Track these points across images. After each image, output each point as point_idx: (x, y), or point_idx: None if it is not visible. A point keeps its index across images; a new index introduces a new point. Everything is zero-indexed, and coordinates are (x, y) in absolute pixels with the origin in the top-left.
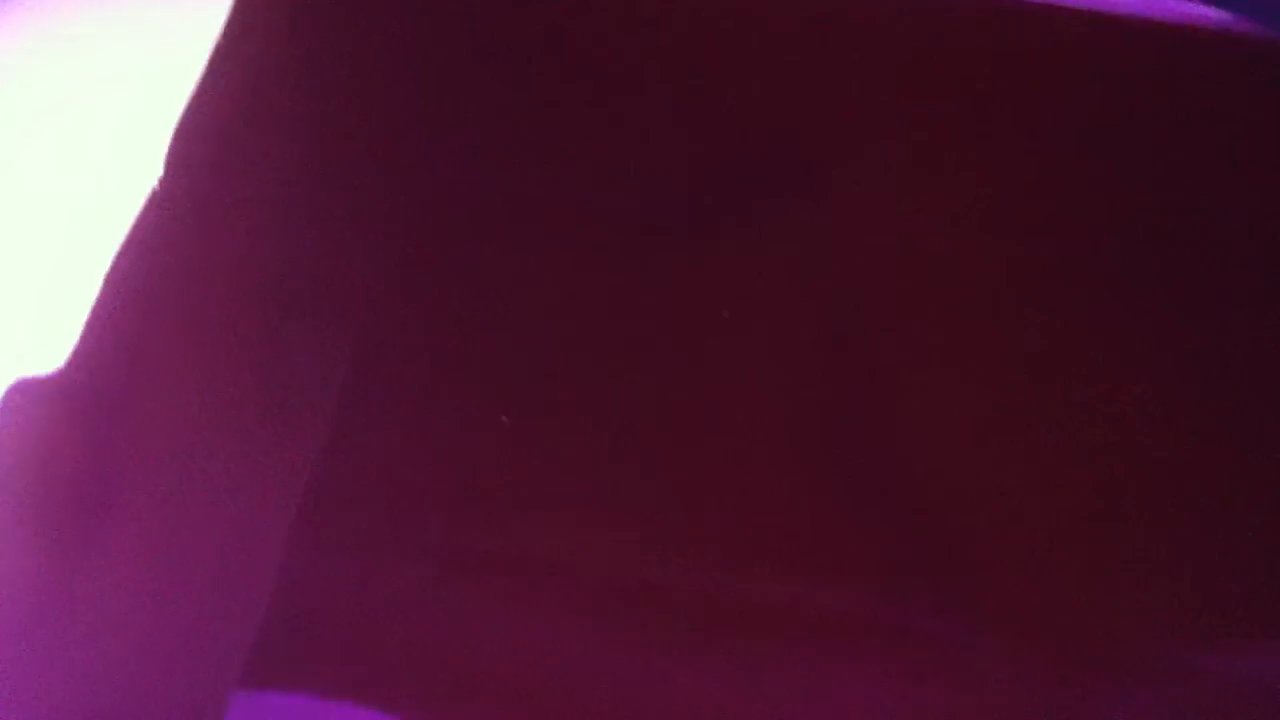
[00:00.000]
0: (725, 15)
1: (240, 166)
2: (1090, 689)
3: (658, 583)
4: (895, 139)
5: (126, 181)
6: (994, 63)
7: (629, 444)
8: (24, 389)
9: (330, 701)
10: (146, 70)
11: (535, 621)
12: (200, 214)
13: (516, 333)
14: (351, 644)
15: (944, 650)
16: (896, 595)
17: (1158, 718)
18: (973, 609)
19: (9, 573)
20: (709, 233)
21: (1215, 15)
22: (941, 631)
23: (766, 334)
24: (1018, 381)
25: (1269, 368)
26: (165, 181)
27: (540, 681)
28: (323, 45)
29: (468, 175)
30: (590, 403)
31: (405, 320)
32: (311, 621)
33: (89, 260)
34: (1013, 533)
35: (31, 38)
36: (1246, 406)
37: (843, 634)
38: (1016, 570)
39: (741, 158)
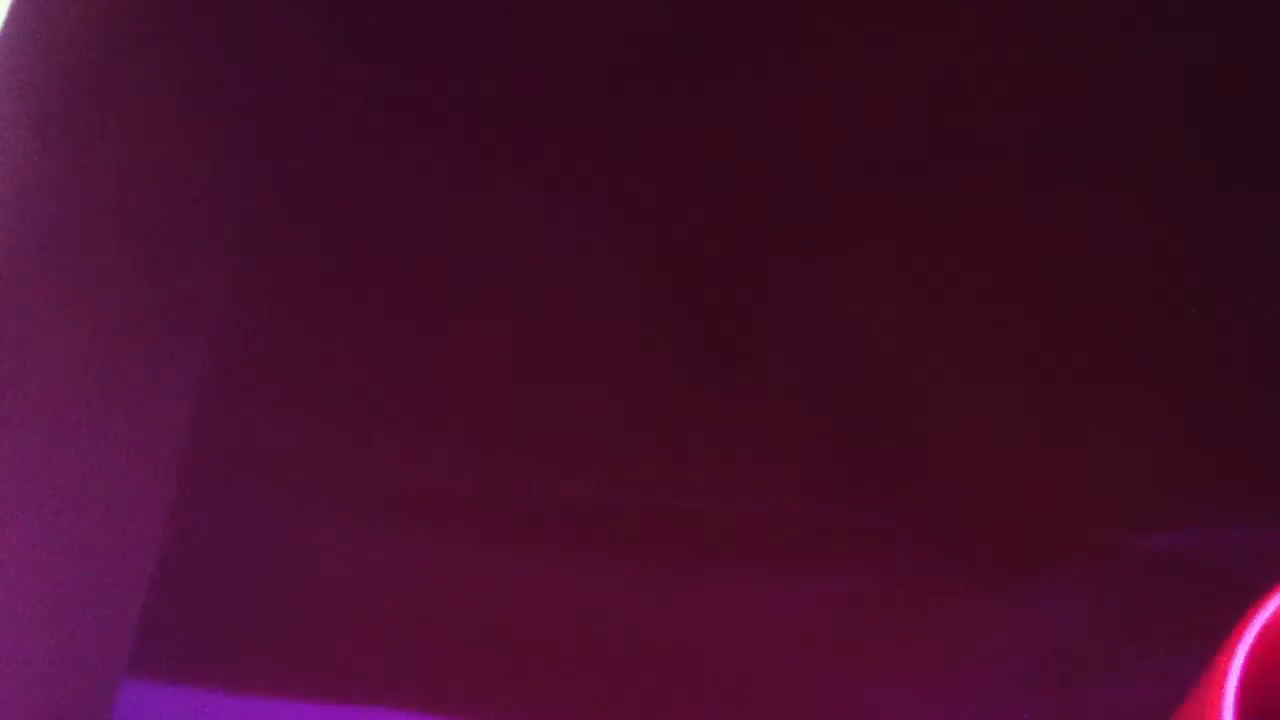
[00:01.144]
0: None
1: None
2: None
3: (561, 503)
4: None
5: None
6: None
7: (527, 371)
8: None
9: (223, 690)
10: None
11: (443, 552)
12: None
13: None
14: (242, 616)
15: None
16: (846, 503)
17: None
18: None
19: None
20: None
21: None
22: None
23: None
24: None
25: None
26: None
27: (449, 605)
28: None
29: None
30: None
31: (280, 267)
32: (199, 596)
33: None
34: (964, 446)
35: None
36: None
37: (783, 542)
38: (957, 480)
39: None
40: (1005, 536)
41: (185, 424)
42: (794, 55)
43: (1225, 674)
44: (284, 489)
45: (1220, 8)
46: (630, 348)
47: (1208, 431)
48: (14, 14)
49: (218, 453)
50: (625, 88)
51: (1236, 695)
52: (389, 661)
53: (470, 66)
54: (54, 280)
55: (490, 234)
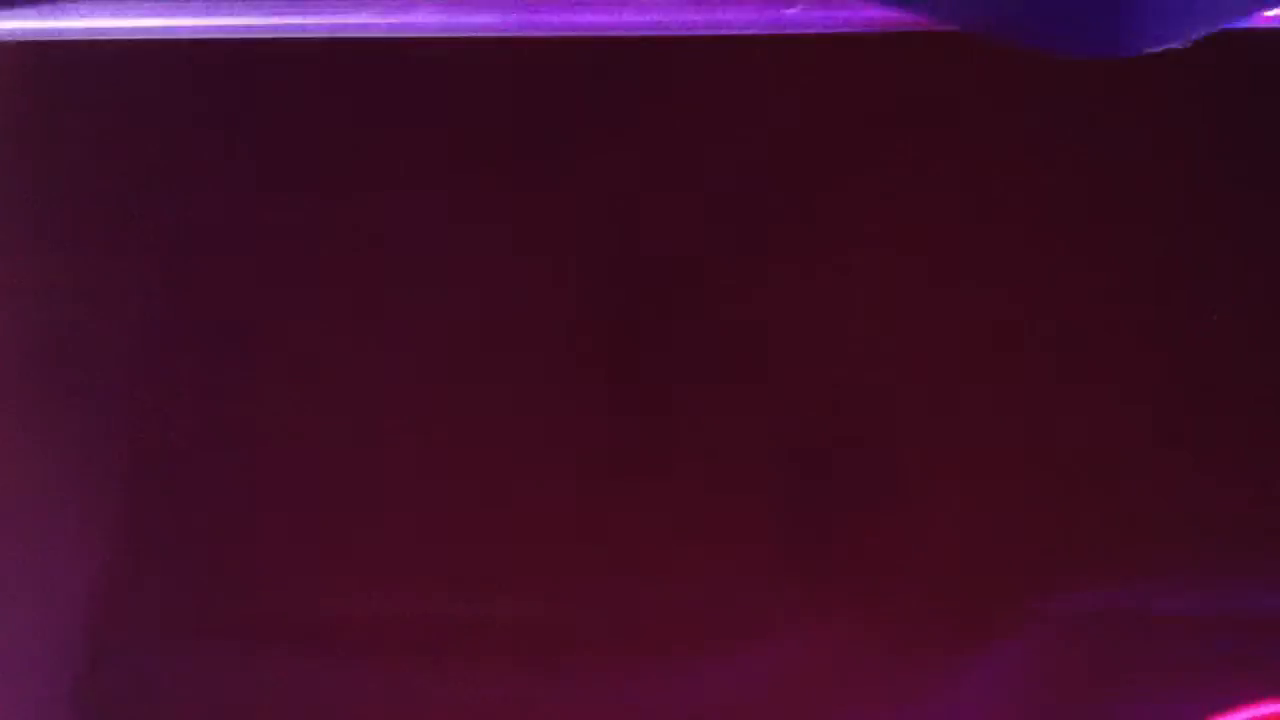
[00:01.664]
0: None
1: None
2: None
3: (473, 619)
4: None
5: None
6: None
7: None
8: None
9: None
10: None
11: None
12: None
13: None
14: None
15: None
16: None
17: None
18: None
19: None
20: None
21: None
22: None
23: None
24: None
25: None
26: None
27: None
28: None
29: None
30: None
31: (180, 394)
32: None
33: None
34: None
35: None
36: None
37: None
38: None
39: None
40: (949, 600)
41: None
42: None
43: None
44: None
45: None
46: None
47: (1177, 486)
48: None
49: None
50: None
51: None
52: None
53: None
54: None
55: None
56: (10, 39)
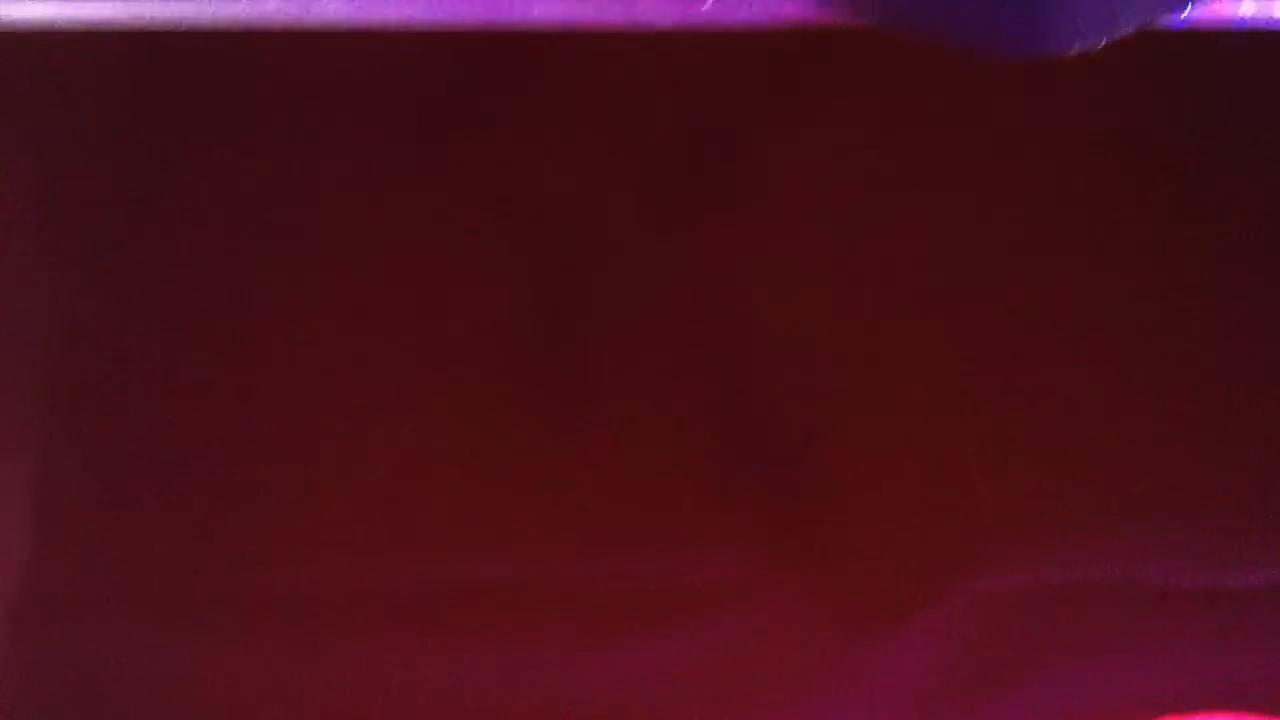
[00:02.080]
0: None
1: None
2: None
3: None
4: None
5: None
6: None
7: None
8: None
9: None
10: None
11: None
12: None
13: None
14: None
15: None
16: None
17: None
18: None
19: None
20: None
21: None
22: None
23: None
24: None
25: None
26: None
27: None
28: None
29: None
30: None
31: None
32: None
33: None
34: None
35: None
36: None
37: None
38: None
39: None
40: (877, 578)
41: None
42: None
43: None
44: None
45: None
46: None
47: (1102, 461)
48: None
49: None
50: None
51: None
52: None
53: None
54: None
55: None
56: None
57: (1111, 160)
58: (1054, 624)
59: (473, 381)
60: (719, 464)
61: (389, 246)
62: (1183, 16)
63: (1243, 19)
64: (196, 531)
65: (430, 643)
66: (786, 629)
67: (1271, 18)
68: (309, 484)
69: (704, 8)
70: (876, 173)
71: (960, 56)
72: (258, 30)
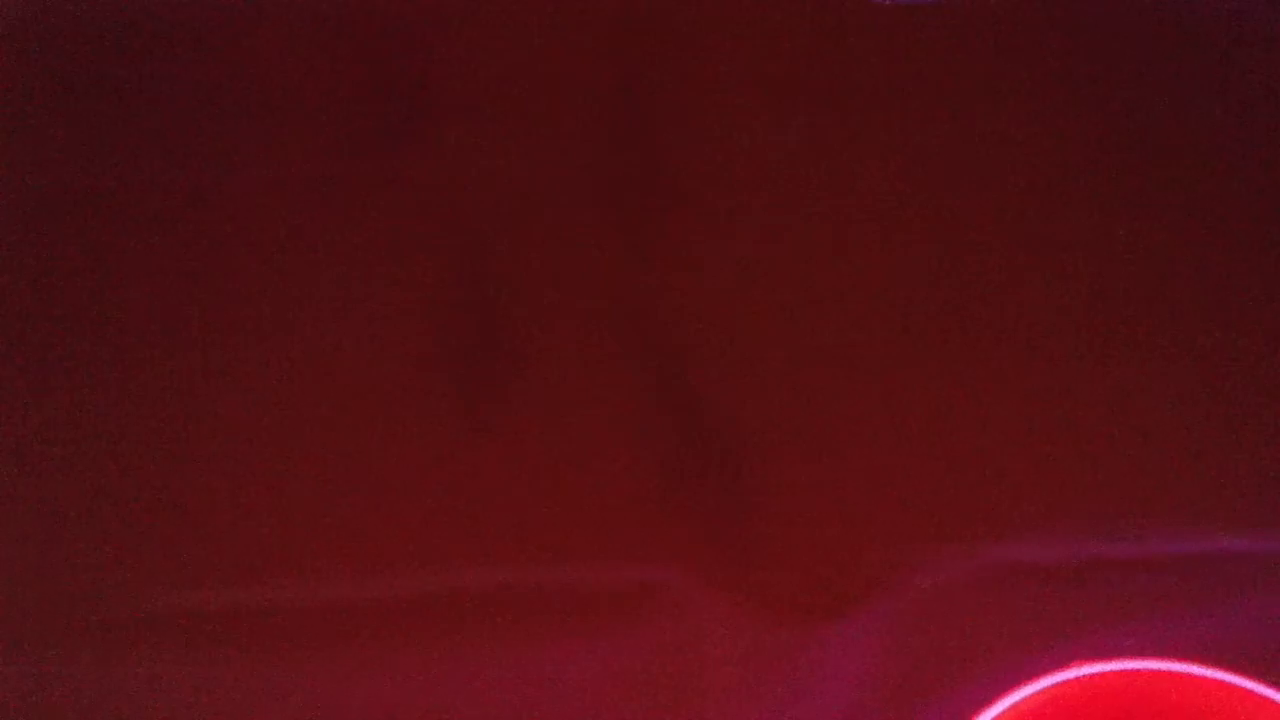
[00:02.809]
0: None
1: None
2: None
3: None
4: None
5: None
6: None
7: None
8: None
9: None
10: None
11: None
12: None
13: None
14: None
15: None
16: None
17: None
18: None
19: None
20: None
21: None
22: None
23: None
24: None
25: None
26: None
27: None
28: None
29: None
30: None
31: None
32: None
33: None
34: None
35: None
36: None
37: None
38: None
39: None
40: (824, 567)
41: None
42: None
43: None
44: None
45: None
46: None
47: (1043, 441)
48: None
49: None
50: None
51: None
52: None
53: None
54: None
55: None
56: None
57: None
58: (994, 611)
59: (400, 388)
60: (656, 468)
61: (318, 246)
62: None
63: None
64: (135, 552)
65: (370, 655)
66: (727, 629)
67: None
68: (240, 502)
69: None
70: (806, 177)
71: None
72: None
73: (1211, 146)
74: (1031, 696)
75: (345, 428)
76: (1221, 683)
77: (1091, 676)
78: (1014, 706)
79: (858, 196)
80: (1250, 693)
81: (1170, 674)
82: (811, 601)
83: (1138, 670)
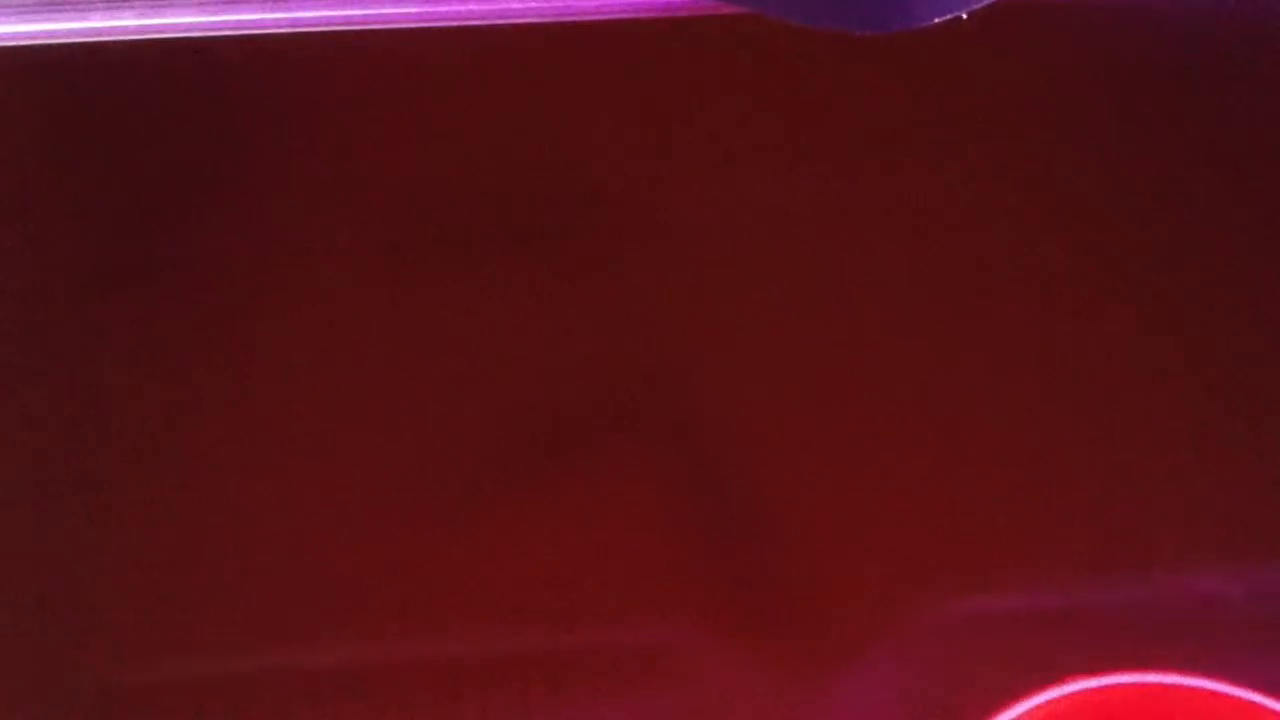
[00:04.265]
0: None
1: None
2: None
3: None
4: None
5: None
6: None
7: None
8: None
9: None
10: None
11: None
12: None
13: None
14: None
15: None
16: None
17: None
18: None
19: None
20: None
21: None
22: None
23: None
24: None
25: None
26: None
27: None
28: None
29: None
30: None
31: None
32: None
33: None
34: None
35: None
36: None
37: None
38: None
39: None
40: (818, 622)
41: None
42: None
43: None
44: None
45: None
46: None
47: (1031, 490)
48: None
49: None
50: None
51: None
52: None
53: None
54: None
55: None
56: None
57: (989, 135)
58: (1009, 651)
59: (402, 451)
60: (663, 522)
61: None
62: None
63: None
64: (131, 620)
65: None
66: (744, 685)
67: None
68: (239, 565)
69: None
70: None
71: (822, 34)
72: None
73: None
74: (1024, 715)
75: (348, 494)
76: (1215, 693)
77: (1084, 692)
78: None
79: (873, 254)
80: (1247, 702)
81: (1163, 686)
82: (814, 657)
83: (1131, 684)
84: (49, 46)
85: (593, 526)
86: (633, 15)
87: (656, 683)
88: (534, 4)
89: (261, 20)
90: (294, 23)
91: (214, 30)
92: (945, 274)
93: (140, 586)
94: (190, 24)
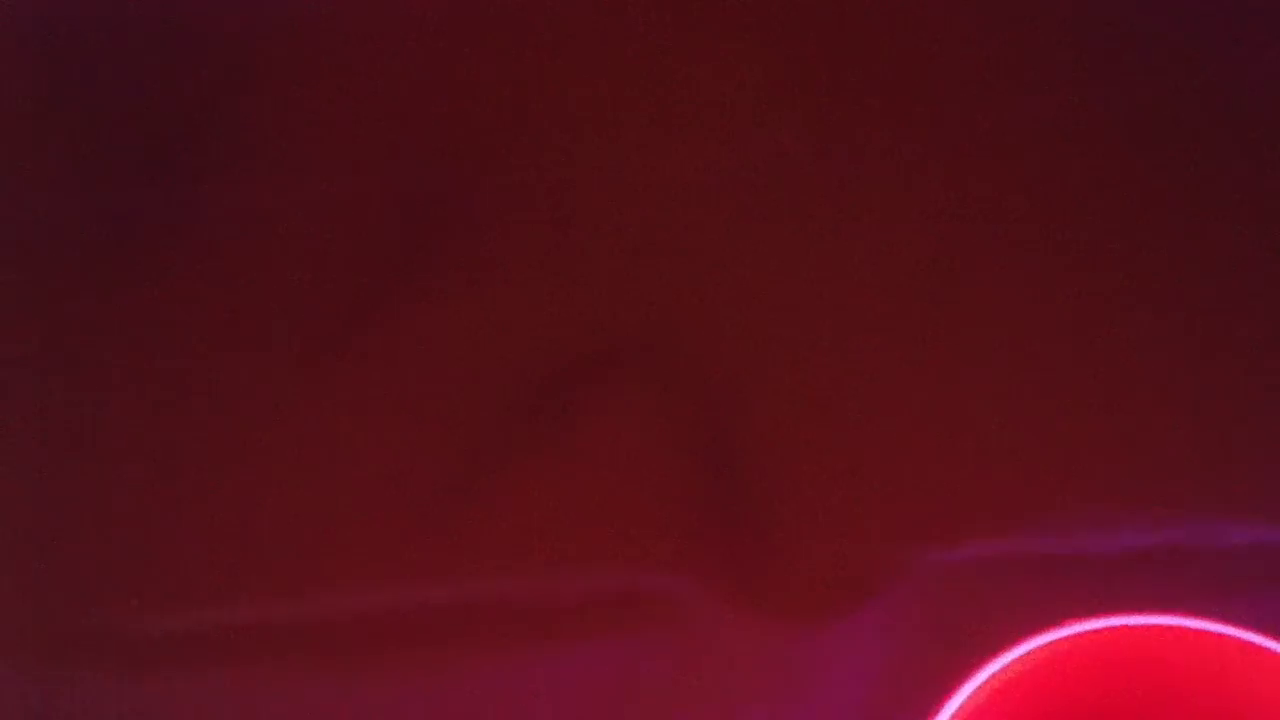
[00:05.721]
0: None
1: None
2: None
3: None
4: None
5: None
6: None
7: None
8: None
9: None
10: None
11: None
12: None
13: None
14: None
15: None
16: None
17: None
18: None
19: None
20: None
21: None
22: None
23: None
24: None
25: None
26: None
27: None
28: None
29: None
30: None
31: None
32: None
33: None
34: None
35: None
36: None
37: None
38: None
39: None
40: (817, 568)
41: None
42: None
43: None
44: None
45: None
46: None
47: (1031, 434)
48: None
49: None
50: None
51: None
52: None
53: None
54: None
55: None
56: None
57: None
58: (1002, 605)
59: (397, 400)
60: (660, 472)
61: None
62: None
63: None
64: (129, 568)
65: (368, 668)
66: (726, 634)
67: None
68: (235, 515)
69: None
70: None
71: None
72: None
73: (1223, 155)
74: (1025, 656)
75: (342, 442)
76: (1220, 635)
77: (1085, 634)
78: (1008, 666)
79: (861, 196)
80: (1251, 644)
81: (1167, 628)
82: (815, 602)
83: (1133, 626)
84: None
85: (587, 476)
86: None
87: (655, 630)
88: None
89: None
90: None
91: None
92: (948, 215)
93: (139, 543)
94: None
